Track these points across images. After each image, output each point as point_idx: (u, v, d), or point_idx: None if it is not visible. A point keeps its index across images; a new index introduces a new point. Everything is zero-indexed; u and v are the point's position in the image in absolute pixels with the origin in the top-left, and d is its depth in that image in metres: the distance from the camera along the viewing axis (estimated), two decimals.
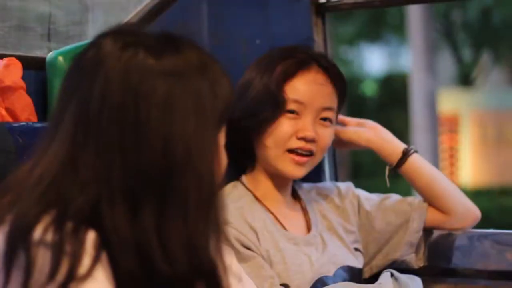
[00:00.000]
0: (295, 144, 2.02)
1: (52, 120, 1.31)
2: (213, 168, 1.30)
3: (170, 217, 1.25)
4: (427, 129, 9.83)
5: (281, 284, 1.97)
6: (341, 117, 2.21)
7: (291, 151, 2.03)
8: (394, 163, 2.17)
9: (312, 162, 2.06)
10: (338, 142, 2.21)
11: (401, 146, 2.18)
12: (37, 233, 1.21)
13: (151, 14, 2.39)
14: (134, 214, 1.24)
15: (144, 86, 1.25)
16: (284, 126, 2.02)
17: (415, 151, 2.18)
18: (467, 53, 13.41)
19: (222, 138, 1.35)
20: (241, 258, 1.90)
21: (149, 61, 1.27)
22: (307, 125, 2.03)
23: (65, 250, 1.20)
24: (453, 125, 12.22)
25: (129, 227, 1.24)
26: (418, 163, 2.18)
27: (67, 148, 1.26)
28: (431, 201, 2.18)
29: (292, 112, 2.03)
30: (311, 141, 2.03)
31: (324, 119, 2.06)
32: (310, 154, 2.04)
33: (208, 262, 1.28)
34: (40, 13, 2.35)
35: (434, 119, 9.99)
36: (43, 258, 1.20)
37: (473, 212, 2.20)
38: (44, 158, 1.27)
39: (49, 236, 1.21)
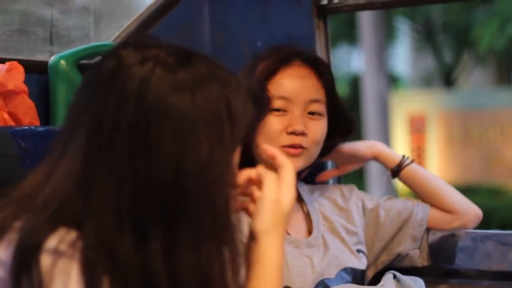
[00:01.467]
0: (287, 140, 2.01)
1: (65, 131, 1.28)
2: (227, 192, 1.26)
3: (181, 244, 1.22)
4: (379, 130, 9.90)
5: (284, 287, 1.97)
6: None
7: (283, 146, 2.01)
8: (393, 171, 2.23)
9: (307, 155, 2.04)
10: (344, 163, 2.27)
11: (397, 156, 2.24)
12: (48, 244, 1.19)
13: (153, 17, 2.39)
14: (142, 240, 1.20)
15: (159, 105, 1.21)
16: (273, 124, 2.01)
17: (410, 162, 2.22)
18: (448, 54, 13.43)
19: (236, 158, 1.31)
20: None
21: (165, 78, 1.23)
22: (295, 120, 2.01)
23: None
24: (421, 125, 12.39)
25: (135, 254, 1.20)
26: (413, 173, 2.22)
27: (79, 166, 1.22)
28: (432, 202, 2.21)
29: (278, 110, 2.02)
30: (301, 134, 2.01)
31: (312, 112, 2.05)
32: (302, 148, 2.03)
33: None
34: (42, 17, 2.35)
35: (385, 121, 10.06)
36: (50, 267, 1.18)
37: (475, 210, 2.22)
38: (55, 174, 1.24)
39: (61, 247, 1.18)
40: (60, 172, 1.23)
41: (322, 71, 2.08)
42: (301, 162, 2.04)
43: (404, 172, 2.21)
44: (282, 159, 1.46)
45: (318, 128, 2.05)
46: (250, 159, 2.06)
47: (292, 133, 2.00)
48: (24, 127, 1.93)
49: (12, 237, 1.21)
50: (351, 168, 2.29)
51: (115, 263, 1.19)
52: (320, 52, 2.41)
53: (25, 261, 1.18)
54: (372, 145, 2.25)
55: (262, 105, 2.00)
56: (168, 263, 1.21)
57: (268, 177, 1.41)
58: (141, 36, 1.37)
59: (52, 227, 1.19)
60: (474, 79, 13.55)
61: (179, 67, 1.24)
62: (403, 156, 2.22)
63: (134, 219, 1.20)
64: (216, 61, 1.30)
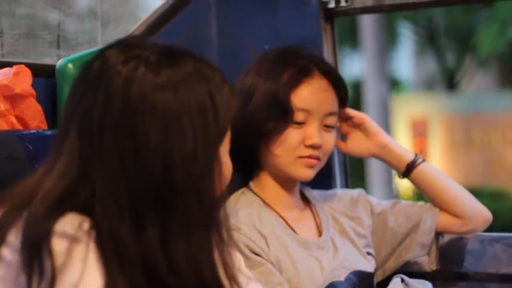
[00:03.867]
0: (304, 152, 2.03)
1: (60, 130, 1.33)
2: (213, 183, 1.31)
3: (174, 233, 1.27)
4: None
5: None
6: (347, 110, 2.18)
7: (301, 157, 2.03)
8: (402, 172, 2.18)
9: (319, 166, 2.07)
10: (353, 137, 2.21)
11: (408, 156, 2.17)
12: (59, 227, 1.23)
13: (161, 21, 2.39)
14: (139, 230, 1.26)
15: (142, 101, 1.27)
16: (292, 136, 2.02)
17: (423, 161, 2.17)
18: (450, 57, 13.42)
19: (224, 149, 1.36)
20: (250, 265, 1.90)
21: (148, 76, 1.28)
22: (314, 133, 2.03)
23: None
24: (423, 128, 12.43)
25: (135, 242, 1.25)
26: (426, 172, 2.17)
27: (75, 162, 1.28)
28: (442, 206, 2.18)
29: (299, 123, 2.03)
30: (318, 147, 2.03)
31: (327, 125, 2.06)
32: (318, 158, 2.05)
33: (212, 275, 1.30)
34: (49, 21, 2.36)
35: (387, 125, 10.07)
36: (63, 252, 1.21)
37: (485, 214, 2.20)
38: (54, 170, 1.29)
39: (71, 231, 1.22)
40: (58, 169, 1.28)
41: (338, 84, 2.09)
42: (314, 173, 2.06)
43: (416, 172, 2.16)
44: None
45: (331, 140, 2.07)
46: (254, 162, 2.08)
47: (311, 146, 2.02)
48: (32, 131, 1.92)
49: (21, 223, 1.25)
50: (356, 147, 2.20)
51: (120, 250, 1.24)
52: (327, 55, 2.41)
53: (36, 244, 1.22)
54: (386, 135, 2.19)
55: (285, 117, 2.01)
56: (164, 250, 1.26)
57: None
58: (127, 37, 1.41)
59: (58, 213, 1.24)
60: (477, 82, 13.55)
61: (163, 66, 1.30)
62: (416, 154, 2.17)
63: (132, 209, 1.25)
64: (202, 59, 1.35)
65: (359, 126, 2.18)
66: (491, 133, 12.19)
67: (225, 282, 1.32)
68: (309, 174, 2.05)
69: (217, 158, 1.33)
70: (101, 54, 1.32)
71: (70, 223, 1.23)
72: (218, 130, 1.31)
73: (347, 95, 2.12)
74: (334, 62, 2.42)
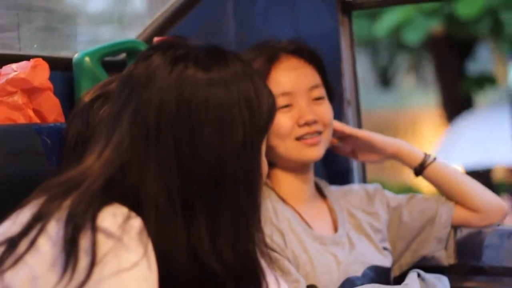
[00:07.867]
0: (300, 131, 2.03)
1: (108, 125, 1.35)
2: (260, 176, 1.37)
3: (222, 222, 1.31)
4: None
5: (309, 285, 1.96)
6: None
7: (299, 138, 2.04)
8: (416, 170, 2.17)
9: (324, 140, 2.07)
10: (361, 151, 2.21)
11: (420, 154, 2.17)
12: (100, 220, 1.24)
13: (177, 14, 2.39)
14: (189, 220, 1.29)
15: (196, 97, 1.31)
16: (283, 121, 2.03)
17: (433, 160, 2.17)
18: (384, 56, 13.39)
19: (263, 147, 1.40)
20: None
21: (199, 74, 1.32)
22: (304, 111, 2.04)
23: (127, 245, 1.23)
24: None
25: (184, 234, 1.29)
26: (439, 168, 2.17)
27: (123, 153, 1.30)
28: (457, 201, 2.18)
29: (285, 106, 2.03)
30: (314, 123, 2.04)
31: (316, 98, 2.07)
32: (318, 133, 2.05)
33: (255, 262, 1.35)
34: (66, 14, 2.36)
35: None
36: (106, 247, 1.22)
37: (501, 207, 2.19)
38: (101, 159, 1.32)
39: (113, 227, 1.23)
40: (104, 159, 1.31)
41: (311, 57, 2.10)
42: (322, 148, 2.06)
43: (427, 171, 2.17)
44: None
45: (325, 111, 2.08)
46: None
47: (305, 124, 2.03)
48: (50, 124, 1.92)
49: (61, 214, 1.26)
50: (368, 158, 2.22)
51: (169, 240, 1.28)
52: (344, 48, 2.40)
53: (77, 236, 1.23)
54: (395, 143, 2.18)
55: None
56: (213, 240, 1.30)
57: None
58: (169, 39, 1.44)
59: (102, 202, 1.26)
60: (415, 79, 13.52)
61: (212, 63, 1.34)
62: (426, 154, 2.17)
63: (183, 199, 1.29)
64: (245, 59, 1.40)
65: (364, 144, 2.19)
66: (401, 129, 12.28)
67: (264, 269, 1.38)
68: (315, 153, 2.05)
69: (261, 153, 1.38)
70: (145, 57, 1.35)
71: (113, 215, 1.25)
72: (262, 125, 1.36)
73: (323, 65, 2.13)
74: (351, 55, 2.42)
